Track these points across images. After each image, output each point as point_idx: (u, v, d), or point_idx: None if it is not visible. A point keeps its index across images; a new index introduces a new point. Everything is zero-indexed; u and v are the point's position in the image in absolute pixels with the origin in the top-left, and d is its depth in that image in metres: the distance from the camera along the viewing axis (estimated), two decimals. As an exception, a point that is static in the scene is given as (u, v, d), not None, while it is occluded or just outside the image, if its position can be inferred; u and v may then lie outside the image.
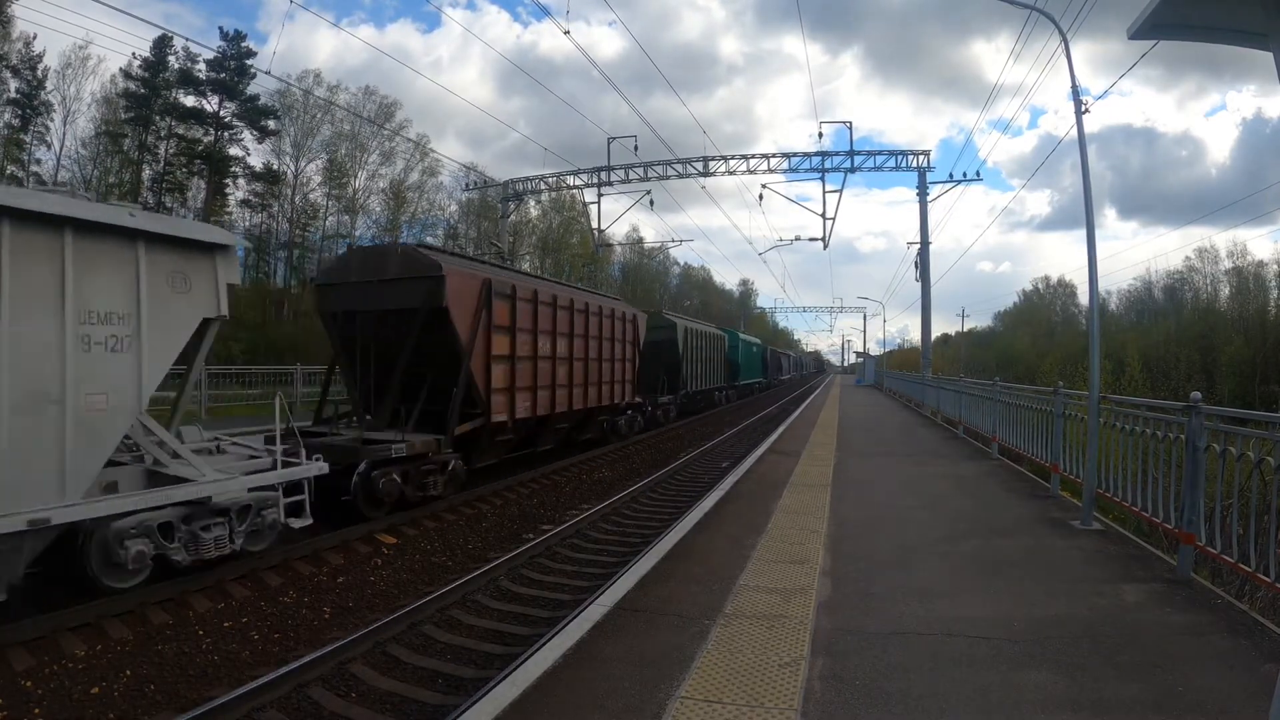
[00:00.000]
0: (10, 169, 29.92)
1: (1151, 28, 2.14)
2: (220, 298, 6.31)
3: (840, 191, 26.29)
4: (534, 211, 53.95)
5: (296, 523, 6.68)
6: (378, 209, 45.30)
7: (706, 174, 27.49)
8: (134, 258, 5.65)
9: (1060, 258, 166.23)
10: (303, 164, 41.86)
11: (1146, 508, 5.58)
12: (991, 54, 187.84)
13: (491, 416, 10.20)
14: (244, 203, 40.54)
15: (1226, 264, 60.62)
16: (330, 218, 43.56)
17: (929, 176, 26.21)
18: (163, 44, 35.61)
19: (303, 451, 7.06)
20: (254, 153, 40.03)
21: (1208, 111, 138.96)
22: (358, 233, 43.55)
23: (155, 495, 5.73)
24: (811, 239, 31.76)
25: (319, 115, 41.10)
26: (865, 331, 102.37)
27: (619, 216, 76.41)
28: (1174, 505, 5.10)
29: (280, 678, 4.37)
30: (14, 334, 4.89)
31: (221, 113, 38.10)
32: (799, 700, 3.14)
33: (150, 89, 35.85)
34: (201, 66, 37.02)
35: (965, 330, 73.80)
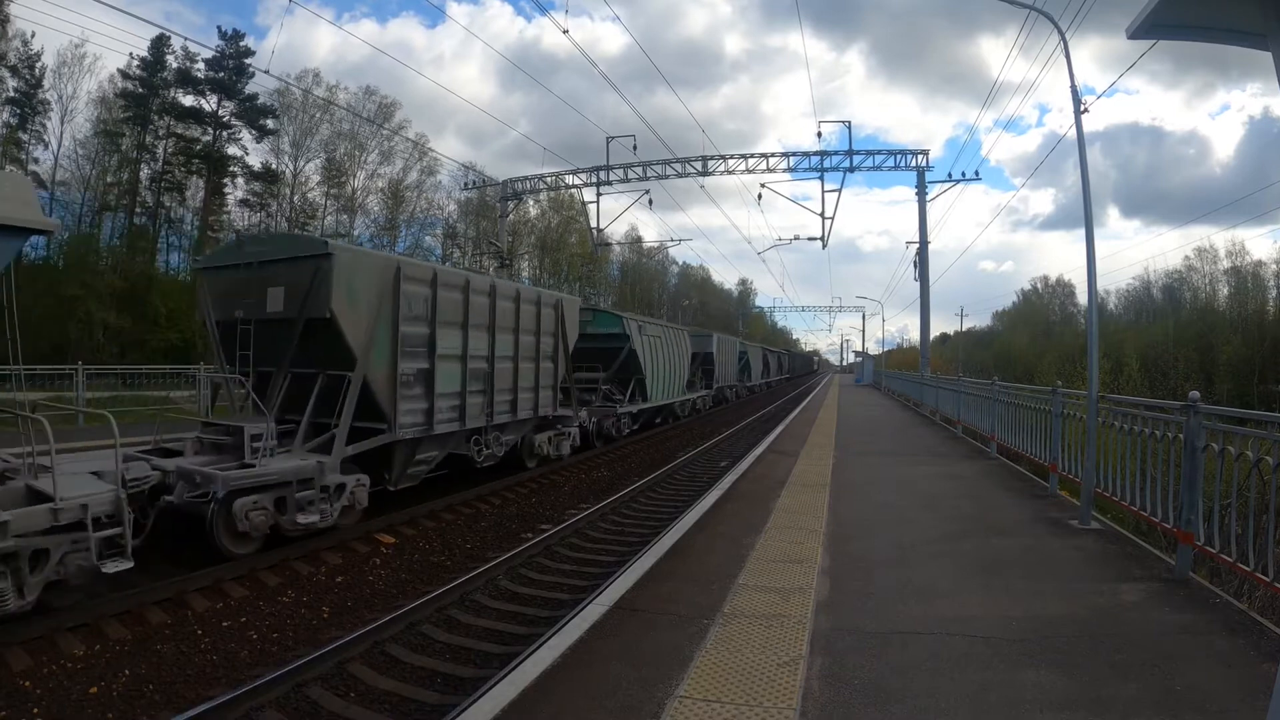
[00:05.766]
0: (9, 168, 29.85)
1: (1150, 27, 2.14)
2: None
3: (839, 191, 26.29)
4: (533, 211, 54.11)
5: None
6: (376, 208, 45.38)
7: (705, 173, 27.48)
8: None
9: (1063, 257, 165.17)
10: (301, 163, 41.92)
11: (1145, 507, 5.58)
12: (1000, 50, 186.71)
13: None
14: (242, 202, 40.60)
15: (1225, 264, 60.78)
16: (329, 217, 43.60)
17: (928, 176, 26.25)
18: (161, 43, 35.60)
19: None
20: (252, 152, 40.16)
21: (1214, 111, 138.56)
22: (356, 232, 43.60)
23: None
24: (811, 238, 31.26)
25: (318, 115, 41.14)
26: (864, 331, 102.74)
27: (618, 216, 76.28)
28: (1172, 505, 5.10)
29: (279, 677, 4.37)
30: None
31: (220, 112, 38.09)
32: (798, 699, 3.14)
33: (148, 88, 35.81)
34: (200, 65, 37.06)
35: (964, 330, 73.98)
